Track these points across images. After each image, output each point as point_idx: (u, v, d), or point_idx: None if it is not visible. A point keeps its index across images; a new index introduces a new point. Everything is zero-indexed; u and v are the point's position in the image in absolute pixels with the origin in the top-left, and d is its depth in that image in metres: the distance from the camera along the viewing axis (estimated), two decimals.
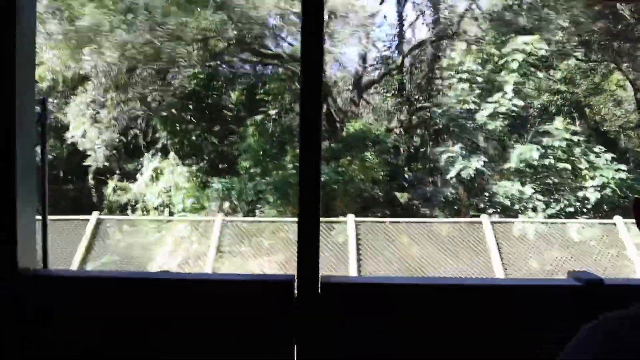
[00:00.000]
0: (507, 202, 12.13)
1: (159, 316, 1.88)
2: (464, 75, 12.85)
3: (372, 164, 13.45)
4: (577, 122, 14.02)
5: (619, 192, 11.99)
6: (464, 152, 12.58)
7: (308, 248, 1.85)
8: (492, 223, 10.13)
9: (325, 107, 15.36)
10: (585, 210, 11.97)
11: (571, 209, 11.96)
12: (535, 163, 12.10)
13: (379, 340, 1.84)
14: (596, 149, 12.54)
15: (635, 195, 1.03)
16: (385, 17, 18.50)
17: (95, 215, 10.86)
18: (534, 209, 11.93)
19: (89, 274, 2.50)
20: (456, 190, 12.94)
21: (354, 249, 9.73)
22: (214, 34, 13.42)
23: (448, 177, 12.63)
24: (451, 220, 10.94)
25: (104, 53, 12.86)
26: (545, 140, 12.51)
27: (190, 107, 14.85)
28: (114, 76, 13.77)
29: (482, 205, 12.55)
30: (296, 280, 1.85)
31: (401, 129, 15.19)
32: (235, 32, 13.55)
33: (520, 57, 12.51)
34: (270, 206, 12.84)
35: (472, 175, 12.34)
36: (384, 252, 9.76)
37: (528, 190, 12.06)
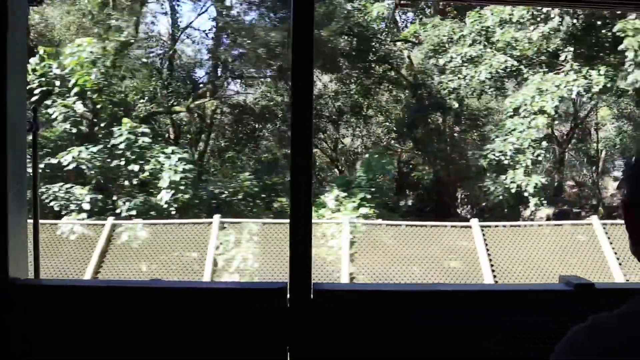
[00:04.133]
0: (52, 203, 11.78)
1: (152, 325, 1.87)
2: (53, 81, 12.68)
3: None
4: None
5: (193, 193, 12.30)
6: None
7: (300, 255, 1.85)
8: None
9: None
10: (172, 212, 11.94)
11: (133, 212, 11.71)
12: (89, 165, 12.03)
13: (370, 346, 1.84)
14: (167, 150, 12.74)
15: (620, 197, 1.04)
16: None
17: None
18: (80, 211, 11.58)
19: (80, 283, 2.49)
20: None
21: None
22: None
23: None
24: None
25: None
26: (113, 141, 12.45)
27: None
28: None
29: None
30: (289, 287, 1.86)
31: None
32: None
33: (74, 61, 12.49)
34: None
35: None
36: None
37: (79, 191, 11.77)
